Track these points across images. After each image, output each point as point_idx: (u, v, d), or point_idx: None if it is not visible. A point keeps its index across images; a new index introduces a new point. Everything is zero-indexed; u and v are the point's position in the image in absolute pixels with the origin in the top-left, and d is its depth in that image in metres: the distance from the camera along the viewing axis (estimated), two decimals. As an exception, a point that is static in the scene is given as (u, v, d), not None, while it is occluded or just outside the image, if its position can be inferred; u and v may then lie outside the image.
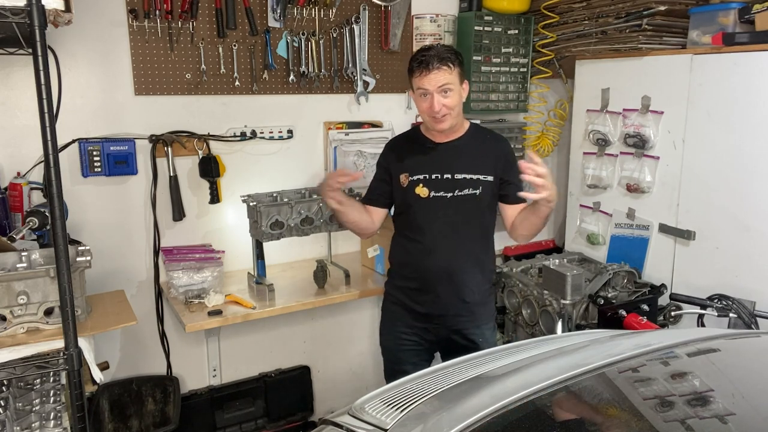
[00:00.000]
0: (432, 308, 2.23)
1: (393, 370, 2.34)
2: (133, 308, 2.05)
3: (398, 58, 2.94)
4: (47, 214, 1.96)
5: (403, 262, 2.28)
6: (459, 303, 2.22)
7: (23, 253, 1.83)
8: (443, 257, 2.18)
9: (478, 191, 2.17)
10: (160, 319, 2.63)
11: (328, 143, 2.85)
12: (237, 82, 2.59)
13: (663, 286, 2.62)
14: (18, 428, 1.58)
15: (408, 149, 2.26)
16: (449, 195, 2.17)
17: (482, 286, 2.27)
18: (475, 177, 2.18)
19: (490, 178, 2.19)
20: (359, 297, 2.62)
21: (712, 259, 2.44)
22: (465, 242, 2.19)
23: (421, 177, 2.18)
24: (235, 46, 2.56)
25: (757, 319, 2.18)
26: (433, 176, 2.17)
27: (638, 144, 2.67)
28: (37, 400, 1.71)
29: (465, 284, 2.21)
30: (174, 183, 2.51)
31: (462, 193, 2.17)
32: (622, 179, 2.78)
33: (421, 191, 2.18)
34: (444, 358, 2.32)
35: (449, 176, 2.17)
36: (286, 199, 2.47)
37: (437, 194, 2.17)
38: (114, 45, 2.38)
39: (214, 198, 2.59)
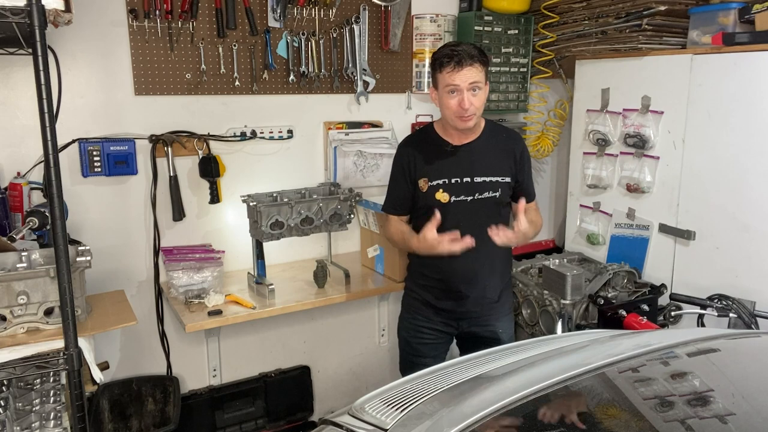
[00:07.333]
0: (454, 306, 2.23)
1: (410, 362, 2.33)
2: (133, 308, 2.05)
3: (398, 58, 2.94)
4: (47, 214, 1.96)
5: (425, 263, 2.23)
6: (482, 302, 2.23)
7: (23, 253, 1.84)
8: (466, 260, 2.13)
9: (497, 193, 2.16)
10: (160, 319, 2.63)
11: (328, 143, 2.85)
12: (237, 82, 2.59)
13: (663, 286, 2.62)
14: (18, 428, 1.58)
15: (425, 152, 2.20)
16: (469, 199, 2.14)
17: (503, 282, 2.28)
18: (494, 179, 2.15)
19: (507, 179, 2.18)
20: (359, 297, 2.62)
21: (712, 259, 2.44)
22: (487, 244, 2.10)
23: (441, 182, 2.14)
24: (235, 46, 2.56)
25: (757, 319, 2.19)
26: (453, 180, 2.14)
27: (638, 144, 2.67)
28: (37, 400, 1.71)
29: (488, 285, 2.21)
30: (174, 183, 2.51)
31: (482, 197, 2.14)
32: (622, 179, 2.78)
33: (442, 197, 2.14)
34: (463, 351, 2.35)
35: (469, 180, 2.14)
36: (286, 199, 2.47)
37: (458, 199, 2.13)
38: (114, 45, 2.38)
39: (214, 198, 2.59)
